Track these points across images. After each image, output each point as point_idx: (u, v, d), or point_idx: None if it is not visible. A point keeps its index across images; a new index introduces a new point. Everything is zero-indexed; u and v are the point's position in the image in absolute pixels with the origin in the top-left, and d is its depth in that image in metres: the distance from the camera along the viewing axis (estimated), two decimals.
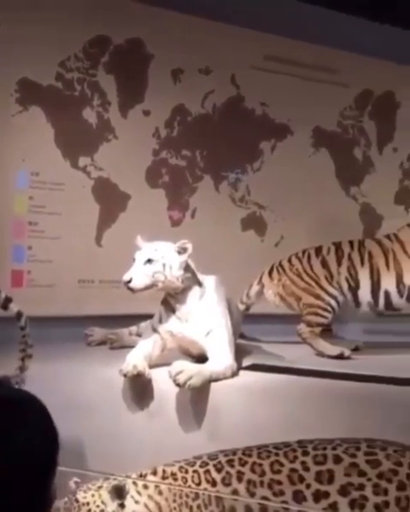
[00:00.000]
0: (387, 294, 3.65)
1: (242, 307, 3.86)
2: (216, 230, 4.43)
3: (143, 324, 3.55)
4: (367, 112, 4.98)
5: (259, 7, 4.46)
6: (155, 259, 2.88)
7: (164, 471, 1.69)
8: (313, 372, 3.07)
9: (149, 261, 2.87)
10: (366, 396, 2.73)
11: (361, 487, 1.59)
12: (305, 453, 1.66)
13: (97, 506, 1.73)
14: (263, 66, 4.61)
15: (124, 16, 4.18)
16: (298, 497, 1.60)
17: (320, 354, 3.56)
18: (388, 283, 3.63)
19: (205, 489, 1.58)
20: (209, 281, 3.08)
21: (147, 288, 2.87)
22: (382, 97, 5.02)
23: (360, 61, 4.81)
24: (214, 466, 1.67)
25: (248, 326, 3.90)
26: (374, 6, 4.65)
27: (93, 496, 1.76)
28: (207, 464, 1.68)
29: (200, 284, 3.03)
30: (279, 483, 1.62)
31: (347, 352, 3.51)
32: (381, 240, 3.81)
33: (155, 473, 1.70)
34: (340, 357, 3.49)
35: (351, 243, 3.78)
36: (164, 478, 1.67)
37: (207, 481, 1.64)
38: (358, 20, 4.73)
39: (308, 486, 1.61)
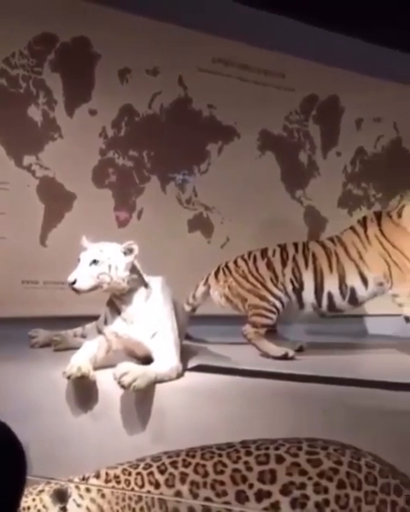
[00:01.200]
0: (330, 296, 3.71)
1: (188, 308, 3.87)
2: (163, 231, 4.42)
3: (89, 326, 3.52)
4: (312, 116, 5.07)
5: (207, 9, 4.49)
6: (101, 260, 2.86)
7: (107, 474, 1.68)
8: (258, 373, 3.10)
9: (95, 262, 2.85)
10: (308, 396, 2.78)
11: (303, 486, 1.61)
12: (248, 453, 1.68)
13: (39, 510, 1.70)
14: (211, 68, 4.63)
15: (71, 14, 4.13)
16: (241, 498, 1.62)
17: (265, 355, 3.61)
18: (331, 285, 3.70)
19: (148, 491, 1.58)
20: (155, 282, 3.08)
21: (92, 289, 2.85)
22: (327, 102, 5.11)
23: (306, 66, 4.89)
24: (158, 468, 1.67)
25: (194, 327, 3.91)
26: (320, 12, 4.73)
27: (34, 500, 1.73)
28: (150, 466, 1.68)
29: (146, 285, 3.03)
30: (222, 483, 1.63)
31: (291, 353, 3.57)
32: (324, 242, 3.88)
33: (97, 476, 1.69)
34: (284, 357, 3.54)
35: (296, 245, 3.84)
36: (107, 481, 1.66)
37: (151, 483, 1.64)
38: (304, 26, 4.80)
39: (251, 486, 1.63)
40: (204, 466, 1.67)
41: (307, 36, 4.84)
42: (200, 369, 3.14)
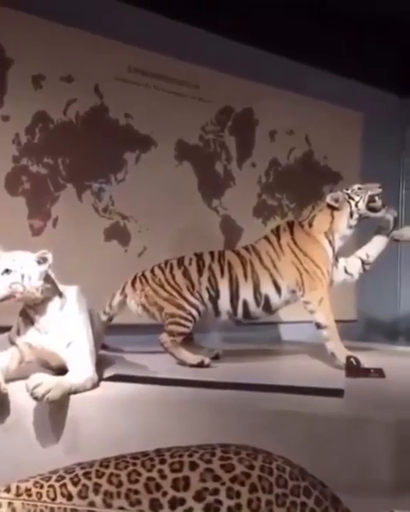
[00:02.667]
0: (245, 304, 3.78)
1: (104, 318, 3.84)
2: (79, 240, 4.36)
3: (1, 337, 3.43)
4: (228, 127, 5.15)
5: (123, 18, 4.49)
6: (13, 270, 2.80)
7: (18, 487, 1.64)
8: (174, 381, 3.12)
9: (7, 271, 2.79)
10: (224, 403, 2.82)
11: (216, 492, 1.63)
12: (162, 461, 1.68)
13: None
14: (127, 77, 4.62)
15: None
16: (155, 506, 1.62)
17: (182, 363, 3.63)
18: (246, 293, 3.77)
19: (61, 503, 1.56)
20: (70, 291, 3.04)
21: (4, 299, 2.78)
22: (241, 114, 5.21)
23: (221, 78, 4.97)
24: (71, 479, 1.65)
25: (110, 337, 3.88)
26: (234, 25, 4.84)
27: None
28: (63, 478, 1.65)
29: (60, 295, 2.98)
30: (136, 492, 1.63)
31: (207, 361, 3.61)
32: (240, 251, 3.95)
33: (8, 490, 1.65)
34: (200, 365, 3.58)
35: (212, 254, 3.89)
36: (18, 494, 1.62)
37: (63, 495, 1.62)
38: (218, 38, 4.89)
39: (165, 494, 1.63)
40: (118, 476, 1.66)
41: (222, 48, 4.93)
42: (116, 378, 3.12)
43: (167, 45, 4.66)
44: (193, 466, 1.68)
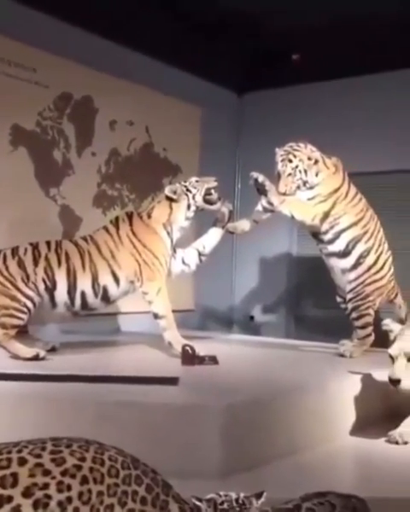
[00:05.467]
0: (83, 295, 3.74)
1: None
2: None
3: None
4: (67, 114, 5.01)
5: None
6: None
7: None
8: (6, 375, 3.01)
9: None
10: (60, 396, 2.78)
11: (46, 486, 1.59)
12: None
13: None
14: None
15: None
16: None
17: (15, 356, 3.52)
18: (84, 284, 3.73)
19: None
20: None
21: None
22: (81, 101, 5.09)
23: (59, 63, 4.81)
24: None
25: None
26: (75, 11, 4.73)
27: None
28: None
29: None
30: None
31: (42, 354, 3.53)
32: (78, 241, 3.89)
33: None
34: (35, 358, 3.49)
35: (48, 244, 3.79)
36: None
37: None
38: (58, 22, 4.75)
39: None
40: None
41: (62, 33, 4.79)
42: None
43: (2, 25, 4.43)
44: (22, 461, 1.62)
